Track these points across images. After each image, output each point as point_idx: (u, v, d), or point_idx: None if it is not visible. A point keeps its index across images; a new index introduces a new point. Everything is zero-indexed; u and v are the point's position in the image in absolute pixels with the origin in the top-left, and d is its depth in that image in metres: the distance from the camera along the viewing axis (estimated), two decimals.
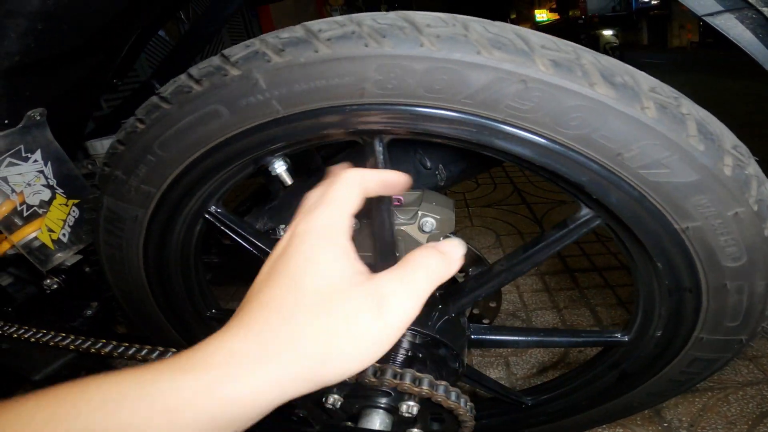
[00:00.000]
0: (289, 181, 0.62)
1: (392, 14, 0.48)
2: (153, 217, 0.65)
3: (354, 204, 0.37)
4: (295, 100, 0.51)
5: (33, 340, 0.80)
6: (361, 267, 0.35)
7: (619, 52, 8.71)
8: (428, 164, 0.68)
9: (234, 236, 0.69)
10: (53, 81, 0.75)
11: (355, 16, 0.49)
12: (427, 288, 0.34)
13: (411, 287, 0.34)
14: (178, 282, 0.75)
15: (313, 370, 0.31)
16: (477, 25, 0.47)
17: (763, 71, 0.50)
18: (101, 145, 0.87)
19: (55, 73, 0.73)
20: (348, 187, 0.38)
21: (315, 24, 0.49)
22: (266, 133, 0.54)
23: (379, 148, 0.54)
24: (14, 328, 0.84)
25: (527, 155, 0.50)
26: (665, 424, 1.03)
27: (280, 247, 0.36)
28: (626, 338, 0.69)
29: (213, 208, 0.67)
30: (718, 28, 0.47)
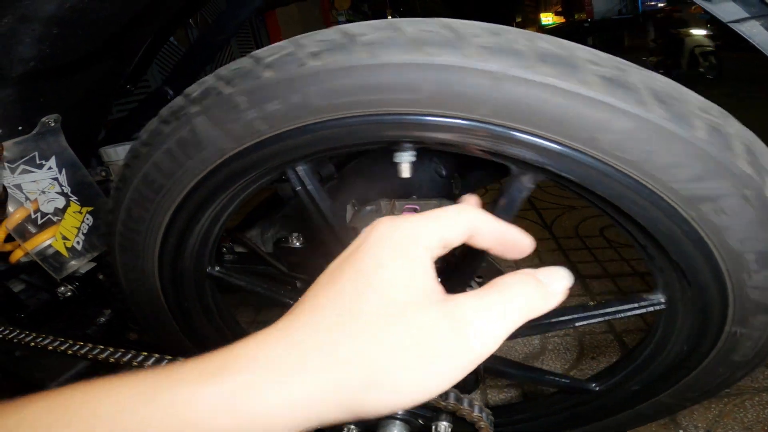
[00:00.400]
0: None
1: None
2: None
3: (454, 233, 0.32)
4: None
5: (47, 347, 0.80)
6: (441, 288, 0.30)
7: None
8: (444, 172, 0.68)
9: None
10: (68, 87, 0.75)
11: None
12: (518, 321, 0.29)
13: (499, 316, 0.28)
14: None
15: (367, 390, 0.26)
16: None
17: None
18: (115, 152, 0.87)
19: (70, 79, 0.73)
20: (457, 214, 0.32)
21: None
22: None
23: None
24: (28, 336, 0.84)
25: None
26: (680, 431, 1.02)
27: (354, 245, 0.32)
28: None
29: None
30: (744, 34, 0.47)
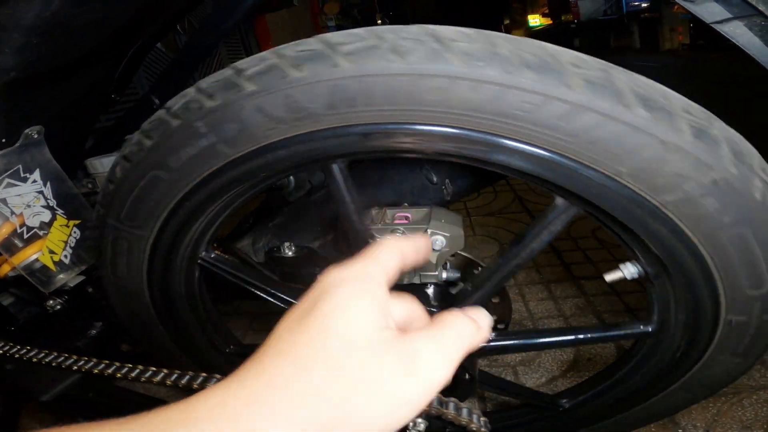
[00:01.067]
0: None
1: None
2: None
3: (393, 266, 0.36)
4: None
5: (36, 360, 0.79)
6: (393, 324, 0.32)
7: None
8: (434, 179, 0.67)
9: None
10: (51, 97, 0.74)
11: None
12: (459, 350, 0.32)
13: (444, 347, 0.32)
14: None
15: (332, 430, 0.27)
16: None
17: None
18: (101, 164, 0.86)
19: (53, 89, 0.72)
20: (388, 251, 0.36)
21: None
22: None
23: None
24: (19, 349, 0.82)
25: None
26: (680, 431, 1.02)
27: (308, 295, 0.34)
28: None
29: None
30: (727, 35, 0.47)
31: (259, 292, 0.68)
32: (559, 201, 0.53)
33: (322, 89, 0.47)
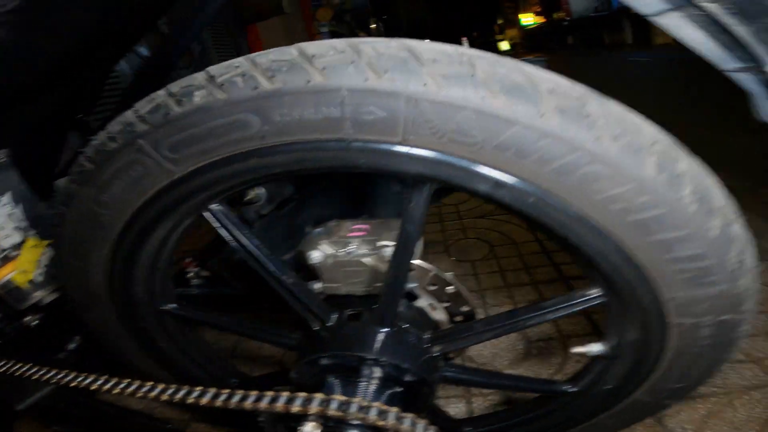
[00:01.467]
0: None
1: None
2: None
3: None
4: None
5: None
6: None
7: None
8: (397, 188, 0.66)
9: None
10: (15, 121, 0.73)
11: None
12: None
13: None
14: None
15: None
16: None
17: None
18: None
19: (16, 112, 0.71)
20: None
21: None
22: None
23: None
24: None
25: None
26: None
27: None
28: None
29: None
30: (667, 29, 0.45)
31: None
32: None
33: None
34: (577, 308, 0.60)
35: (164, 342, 0.74)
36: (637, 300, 0.54)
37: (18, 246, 0.86)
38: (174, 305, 0.71)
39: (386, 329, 0.61)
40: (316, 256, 0.64)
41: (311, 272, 0.66)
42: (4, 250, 0.86)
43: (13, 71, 0.62)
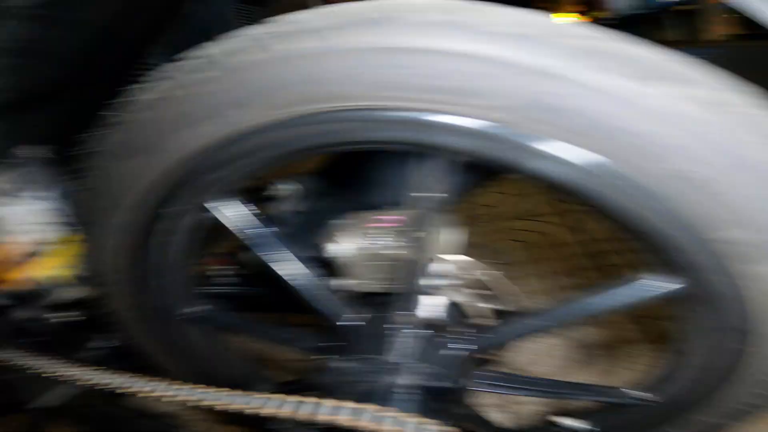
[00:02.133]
0: None
1: None
2: None
3: None
4: None
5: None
6: None
7: None
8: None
9: None
10: (46, 117, 0.74)
11: None
12: None
13: None
14: None
15: None
16: None
17: None
18: None
19: (46, 109, 0.72)
20: None
21: None
22: None
23: None
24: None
25: None
26: None
27: None
28: None
29: None
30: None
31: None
32: None
33: None
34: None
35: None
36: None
37: (61, 240, 0.88)
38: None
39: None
40: (342, 249, 0.60)
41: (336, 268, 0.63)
42: (46, 245, 0.88)
43: (45, 67, 0.63)
